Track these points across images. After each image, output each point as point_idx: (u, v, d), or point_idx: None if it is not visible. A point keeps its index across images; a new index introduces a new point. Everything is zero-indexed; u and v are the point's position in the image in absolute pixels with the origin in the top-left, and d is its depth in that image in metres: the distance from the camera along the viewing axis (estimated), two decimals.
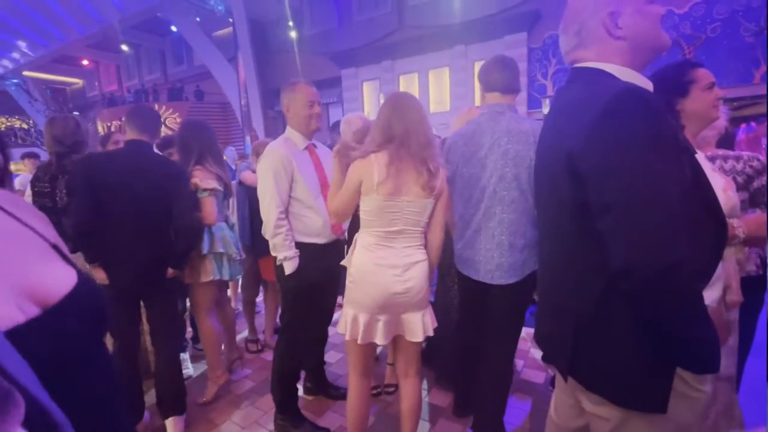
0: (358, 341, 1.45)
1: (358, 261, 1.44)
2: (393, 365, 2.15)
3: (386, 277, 1.39)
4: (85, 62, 18.17)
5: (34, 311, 0.59)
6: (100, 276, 1.76)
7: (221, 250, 2.16)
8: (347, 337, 1.48)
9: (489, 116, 1.59)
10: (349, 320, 1.47)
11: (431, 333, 1.50)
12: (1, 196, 0.70)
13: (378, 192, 1.36)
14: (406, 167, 1.36)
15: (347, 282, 1.48)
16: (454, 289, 2.15)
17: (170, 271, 1.91)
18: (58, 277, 0.67)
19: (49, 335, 0.59)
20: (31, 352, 0.56)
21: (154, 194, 1.79)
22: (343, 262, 1.54)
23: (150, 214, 1.79)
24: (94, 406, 0.70)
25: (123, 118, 1.90)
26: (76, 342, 0.65)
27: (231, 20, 11.92)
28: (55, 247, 0.73)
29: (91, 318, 0.71)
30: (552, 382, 2.28)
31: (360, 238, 1.48)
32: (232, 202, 2.75)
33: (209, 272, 2.14)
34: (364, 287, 1.42)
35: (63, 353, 0.61)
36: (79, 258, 1.75)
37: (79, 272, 0.72)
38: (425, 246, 1.49)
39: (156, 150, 2.74)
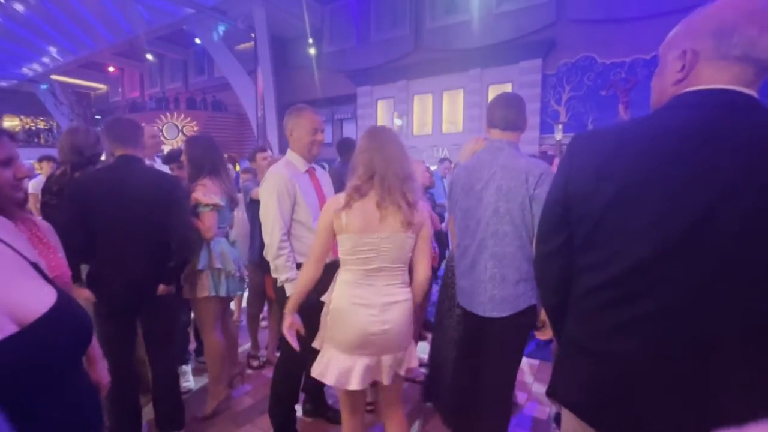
0: (331, 383, 1.39)
1: (336, 299, 1.42)
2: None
3: (362, 317, 1.36)
4: (110, 68, 18.79)
5: (12, 328, 0.60)
6: (84, 295, 1.70)
7: (219, 266, 2.14)
8: (317, 377, 1.41)
9: (489, 151, 1.62)
10: (323, 361, 1.42)
11: (414, 364, 1.48)
12: None
13: (348, 230, 1.37)
14: (384, 203, 1.36)
15: (326, 318, 1.45)
16: (453, 322, 2.11)
17: (162, 287, 1.84)
18: (37, 296, 0.67)
19: (26, 352, 0.60)
20: (7, 368, 0.57)
21: (147, 212, 1.75)
22: (322, 298, 1.49)
23: (143, 232, 1.76)
24: (71, 426, 0.70)
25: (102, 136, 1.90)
26: (51, 360, 0.65)
27: (253, 35, 12.33)
28: (34, 265, 0.73)
29: (69, 337, 0.70)
30: (557, 418, 2.22)
31: (340, 274, 1.46)
32: (239, 215, 2.76)
33: (205, 288, 2.12)
34: (341, 326, 1.39)
35: (39, 370, 0.62)
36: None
37: (60, 292, 0.72)
38: (409, 284, 1.46)
39: (159, 163, 2.78)
